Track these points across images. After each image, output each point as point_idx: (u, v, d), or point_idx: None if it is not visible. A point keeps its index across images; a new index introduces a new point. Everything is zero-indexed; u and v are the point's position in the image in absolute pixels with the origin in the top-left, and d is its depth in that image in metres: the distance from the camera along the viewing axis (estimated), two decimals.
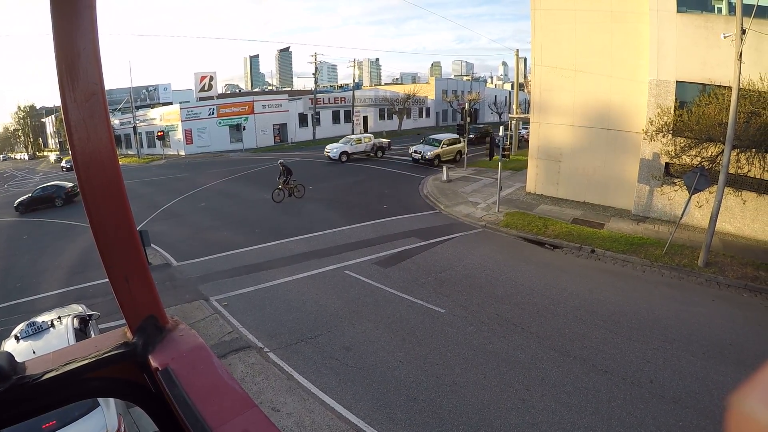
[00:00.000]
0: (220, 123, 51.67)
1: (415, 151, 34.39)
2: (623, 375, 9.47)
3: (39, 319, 8.61)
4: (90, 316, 9.41)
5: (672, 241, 16.12)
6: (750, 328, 11.48)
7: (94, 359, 1.01)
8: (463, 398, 8.83)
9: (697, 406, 8.52)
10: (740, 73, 13.67)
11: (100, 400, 6.58)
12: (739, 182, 16.69)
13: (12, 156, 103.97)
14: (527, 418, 8.27)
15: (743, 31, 13.28)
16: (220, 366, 1.02)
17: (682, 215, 15.93)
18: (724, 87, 15.90)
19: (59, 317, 8.64)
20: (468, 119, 32.52)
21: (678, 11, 18.00)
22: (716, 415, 8.22)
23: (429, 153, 33.51)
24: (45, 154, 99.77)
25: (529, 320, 11.72)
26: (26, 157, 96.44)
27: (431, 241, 17.60)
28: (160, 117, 55.18)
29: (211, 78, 59.07)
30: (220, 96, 63.47)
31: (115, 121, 59.25)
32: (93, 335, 8.43)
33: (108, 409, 6.63)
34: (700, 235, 16.77)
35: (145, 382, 1.05)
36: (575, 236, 17.80)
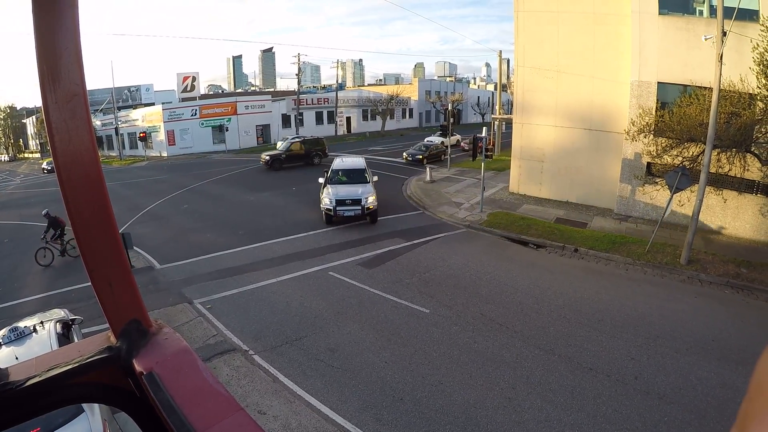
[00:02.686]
0: (202, 124, 51.43)
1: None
2: (608, 372, 9.54)
3: (21, 324, 8.47)
4: (73, 320, 9.27)
5: (654, 239, 16.30)
6: (732, 324, 11.63)
7: (77, 364, 0.99)
8: (449, 398, 8.83)
9: (681, 401, 8.60)
10: (721, 74, 13.87)
11: (84, 405, 6.49)
12: (720, 181, 16.95)
13: None
14: (513, 417, 8.29)
15: (724, 33, 13.47)
16: (205, 369, 1.01)
17: (664, 214, 16.11)
18: (705, 88, 16.12)
19: (42, 322, 8.50)
20: (451, 120, 32.75)
21: (660, 13, 18.24)
22: (700, 410, 8.32)
23: None
24: (26, 155, 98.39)
25: (514, 319, 11.77)
26: (6, 159, 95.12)
27: (415, 241, 17.61)
28: (143, 118, 54.79)
29: (194, 78, 58.73)
30: (203, 97, 63.18)
31: (96, 122, 58.66)
32: (76, 340, 8.32)
33: (93, 415, 6.53)
34: (681, 233, 16.96)
35: (129, 387, 1.04)
36: (558, 235, 17.91)
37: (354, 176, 21.26)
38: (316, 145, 37.45)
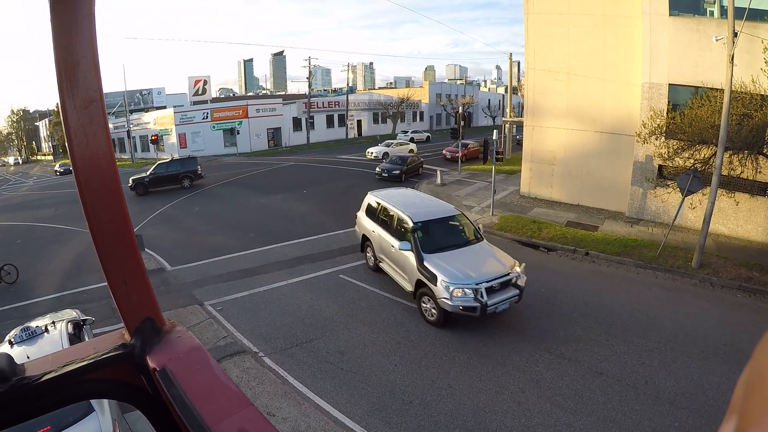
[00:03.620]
0: (214, 127, 51.70)
1: None
2: (618, 377, 9.49)
3: (33, 323, 8.56)
4: (84, 320, 9.36)
5: (666, 242, 16.18)
6: (744, 328, 11.53)
7: (92, 360, 1.03)
8: (458, 401, 8.82)
9: (692, 406, 8.54)
10: (732, 75, 13.77)
11: (94, 405, 6.55)
12: (732, 184, 16.80)
13: (5, 160, 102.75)
14: (523, 421, 8.26)
15: (735, 34, 13.38)
16: (217, 366, 1.04)
17: (675, 217, 16.01)
18: (717, 89, 15.99)
19: (53, 322, 8.58)
20: (462, 123, 32.62)
21: (670, 14, 18.13)
22: (711, 416, 8.24)
23: None
24: (39, 158, 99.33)
25: (524, 323, 11.73)
26: (20, 161, 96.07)
27: None
28: (154, 121, 55.17)
29: (205, 82, 59.15)
30: (214, 100, 63.54)
31: (108, 125, 59.11)
32: (87, 340, 8.40)
33: (103, 415, 6.58)
34: (693, 236, 16.85)
35: (141, 384, 1.06)
36: (569, 239, 17.84)
37: (454, 232, 13.24)
38: (185, 166, 32.57)
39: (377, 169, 31.13)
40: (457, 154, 36.66)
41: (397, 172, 30.05)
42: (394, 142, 43.42)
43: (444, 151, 40.67)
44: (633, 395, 8.90)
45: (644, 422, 8.16)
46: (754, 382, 0.41)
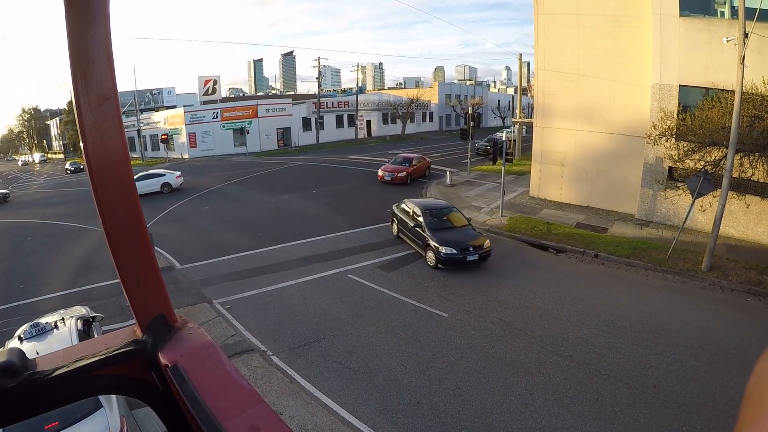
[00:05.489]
0: (223, 127, 51.85)
1: None
2: (626, 380, 9.45)
3: (42, 320, 8.65)
4: (93, 317, 9.45)
5: (675, 245, 16.08)
6: (754, 332, 11.44)
7: (104, 356, 1.03)
8: (466, 402, 8.82)
9: (700, 410, 8.49)
10: (743, 76, 13.66)
11: (102, 401, 6.61)
12: (743, 186, 16.66)
13: (24, 158, 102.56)
14: (530, 423, 8.25)
15: (746, 35, 13.28)
16: (229, 363, 1.05)
17: (685, 219, 15.91)
18: (727, 91, 15.87)
19: (63, 319, 8.67)
20: (471, 123, 32.51)
21: (681, 15, 18.00)
22: (720, 420, 8.20)
23: None
24: (50, 156, 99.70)
25: (533, 325, 11.71)
26: (45, 159, 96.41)
27: None
28: (164, 120, 55.45)
29: (215, 82, 59.32)
30: (224, 100, 63.68)
31: (123, 123, 59.48)
32: (97, 336, 8.44)
33: (111, 411, 6.65)
34: (703, 239, 16.72)
35: (152, 380, 1.08)
36: (579, 240, 17.77)
37: None
38: None
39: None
40: (399, 175, 28.54)
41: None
42: (141, 173, 29.73)
43: (379, 172, 29.86)
44: (641, 399, 8.86)
45: (652, 426, 8.12)
46: (752, 392, 0.42)
